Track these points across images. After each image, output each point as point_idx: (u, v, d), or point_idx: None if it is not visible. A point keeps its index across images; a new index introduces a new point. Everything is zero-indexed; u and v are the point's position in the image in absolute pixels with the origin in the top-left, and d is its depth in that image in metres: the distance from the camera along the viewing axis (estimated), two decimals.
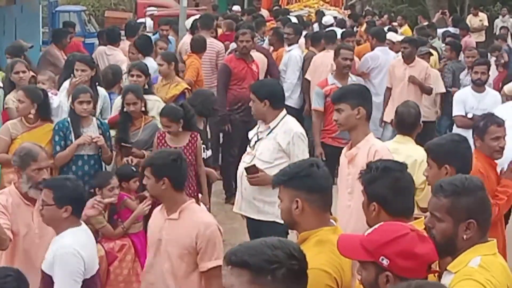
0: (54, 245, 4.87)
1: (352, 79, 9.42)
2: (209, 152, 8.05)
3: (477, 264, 3.37)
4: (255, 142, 6.54)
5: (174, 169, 5.01)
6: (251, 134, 6.71)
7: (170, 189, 4.99)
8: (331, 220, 3.99)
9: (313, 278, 3.69)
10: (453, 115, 9.21)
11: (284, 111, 6.50)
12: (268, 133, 6.41)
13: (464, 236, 3.44)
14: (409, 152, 6.12)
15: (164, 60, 9.32)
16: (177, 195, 5.04)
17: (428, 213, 3.60)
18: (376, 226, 3.29)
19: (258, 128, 6.60)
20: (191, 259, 4.97)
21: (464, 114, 9.03)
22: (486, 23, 20.61)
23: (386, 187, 3.98)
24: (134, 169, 7.19)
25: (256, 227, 6.52)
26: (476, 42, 17.39)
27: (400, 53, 11.29)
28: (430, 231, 3.49)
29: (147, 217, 7.20)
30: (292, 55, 11.84)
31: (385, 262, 3.13)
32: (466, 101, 9.09)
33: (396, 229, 3.24)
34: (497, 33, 19.43)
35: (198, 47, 10.99)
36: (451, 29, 16.66)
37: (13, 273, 3.84)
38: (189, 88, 9.55)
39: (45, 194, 4.93)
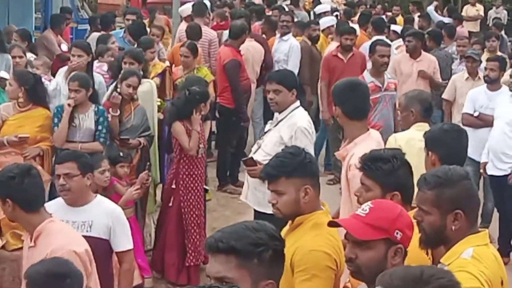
0: (99, 210, 5.09)
1: (387, 76, 8.93)
2: None
3: (470, 256, 3.37)
4: (265, 132, 6.48)
5: (14, 187, 4.26)
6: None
7: (19, 210, 4.30)
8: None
9: (314, 260, 3.73)
10: (462, 112, 8.95)
11: (297, 103, 6.34)
12: (276, 125, 6.32)
13: (453, 227, 3.43)
14: None
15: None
16: (30, 217, 4.32)
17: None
18: (369, 206, 3.28)
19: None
20: None
21: (471, 112, 8.76)
22: (482, 13, 20.65)
23: (406, 175, 4.05)
24: (121, 154, 7.20)
25: (258, 219, 6.43)
26: (470, 32, 17.42)
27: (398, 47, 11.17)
28: (420, 225, 3.49)
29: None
30: (294, 44, 11.67)
31: (399, 235, 3.18)
32: (477, 100, 8.76)
33: (393, 205, 3.35)
34: (490, 24, 19.48)
35: (194, 34, 10.96)
36: (446, 19, 16.65)
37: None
38: (169, 66, 9.65)
39: (70, 166, 4.98)
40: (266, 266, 2.66)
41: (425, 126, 6.37)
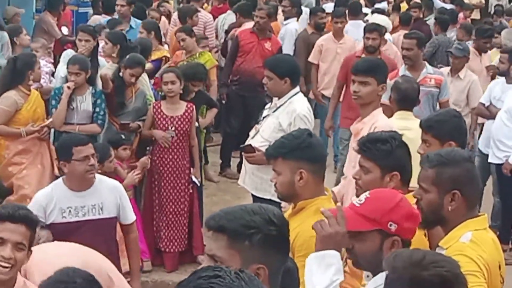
0: (104, 190, 5.33)
1: (428, 70, 8.30)
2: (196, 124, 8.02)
3: (469, 240, 3.37)
4: (263, 117, 6.41)
5: None
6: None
7: None
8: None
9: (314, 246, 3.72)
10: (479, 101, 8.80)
11: (297, 89, 6.28)
12: (274, 111, 6.26)
13: (449, 207, 3.43)
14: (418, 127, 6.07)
15: (144, 29, 9.52)
16: None
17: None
18: (366, 196, 3.26)
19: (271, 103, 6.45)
20: None
21: (485, 102, 8.63)
22: (484, 0, 20.62)
23: (405, 156, 4.02)
24: (123, 137, 7.24)
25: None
26: (472, 19, 17.36)
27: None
28: (419, 203, 3.50)
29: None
30: (288, 28, 11.68)
31: (393, 227, 3.13)
32: (492, 90, 8.65)
33: (392, 195, 3.28)
34: (492, 12, 19.40)
35: (184, 15, 10.92)
36: (448, 6, 16.62)
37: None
38: (168, 56, 9.59)
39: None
40: (257, 250, 2.64)
41: (407, 115, 6.39)
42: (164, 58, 9.43)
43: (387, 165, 3.98)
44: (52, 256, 4.14)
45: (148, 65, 8.85)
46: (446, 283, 2.57)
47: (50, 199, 5.33)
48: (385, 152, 4.00)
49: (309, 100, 10.21)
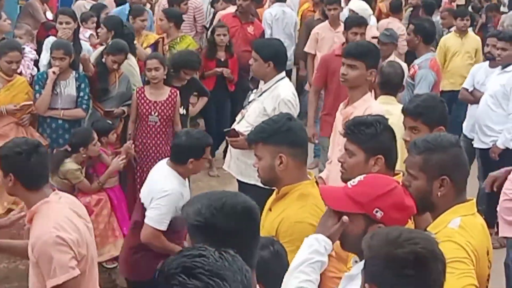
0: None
1: (418, 60, 8.17)
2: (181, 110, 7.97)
3: (457, 225, 3.36)
4: (249, 102, 6.41)
5: (19, 164, 4.07)
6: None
7: (19, 186, 4.12)
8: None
9: (299, 231, 3.72)
10: (462, 86, 8.85)
11: (282, 74, 6.30)
12: (260, 95, 6.27)
13: (438, 193, 3.42)
14: (400, 112, 6.06)
15: (166, 17, 9.48)
16: (29, 195, 4.14)
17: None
18: (360, 178, 3.23)
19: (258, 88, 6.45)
20: (37, 272, 4.08)
21: (468, 87, 8.62)
22: None
23: (390, 139, 4.01)
24: (110, 122, 7.24)
25: (242, 189, 6.38)
26: (457, 5, 17.38)
27: None
28: (407, 190, 3.47)
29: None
30: (266, 12, 11.49)
31: (379, 214, 3.09)
32: (476, 75, 8.61)
33: (386, 182, 3.23)
34: None
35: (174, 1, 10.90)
36: None
37: None
38: (163, 37, 9.52)
39: None
40: (191, 236, 2.68)
41: (390, 99, 6.40)
42: (161, 40, 9.35)
43: (371, 148, 3.95)
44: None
45: (148, 51, 8.82)
46: (421, 260, 2.56)
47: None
48: (369, 136, 3.97)
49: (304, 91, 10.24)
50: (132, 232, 5.62)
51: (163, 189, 5.29)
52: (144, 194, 5.46)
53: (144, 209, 5.38)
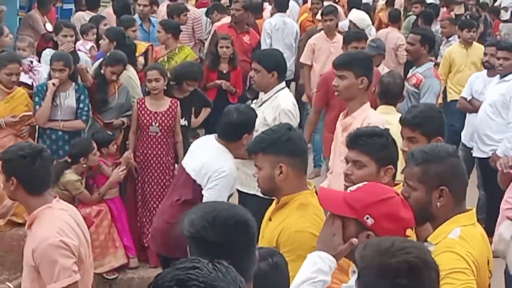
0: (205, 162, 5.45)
1: (421, 69, 7.96)
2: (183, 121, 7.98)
3: (457, 236, 3.35)
4: None
5: (23, 167, 4.06)
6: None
7: (21, 191, 4.11)
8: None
9: (299, 241, 3.73)
10: (460, 95, 8.86)
11: (282, 84, 6.31)
12: (260, 105, 6.27)
13: (438, 204, 3.40)
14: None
15: (163, 29, 9.45)
16: (31, 199, 4.12)
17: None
18: (359, 185, 3.24)
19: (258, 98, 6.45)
20: (35, 277, 4.08)
21: (467, 96, 8.61)
22: None
23: (397, 149, 4.04)
24: (110, 133, 7.27)
25: (242, 199, 6.41)
26: (456, 14, 17.43)
27: None
28: (407, 201, 3.47)
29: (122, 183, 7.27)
30: (266, 21, 11.47)
31: (370, 221, 3.09)
32: (474, 84, 8.63)
33: (383, 191, 3.22)
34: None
35: (173, 13, 10.90)
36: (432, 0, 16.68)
37: None
38: (151, 45, 9.51)
39: None
40: (188, 246, 2.69)
41: (389, 109, 6.40)
42: (149, 49, 9.36)
43: (383, 159, 3.95)
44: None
45: (140, 59, 8.84)
46: (414, 269, 2.55)
47: None
48: (381, 146, 3.97)
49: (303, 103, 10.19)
50: (177, 207, 5.54)
51: (222, 169, 5.38)
52: (196, 170, 5.48)
53: (197, 187, 5.43)
